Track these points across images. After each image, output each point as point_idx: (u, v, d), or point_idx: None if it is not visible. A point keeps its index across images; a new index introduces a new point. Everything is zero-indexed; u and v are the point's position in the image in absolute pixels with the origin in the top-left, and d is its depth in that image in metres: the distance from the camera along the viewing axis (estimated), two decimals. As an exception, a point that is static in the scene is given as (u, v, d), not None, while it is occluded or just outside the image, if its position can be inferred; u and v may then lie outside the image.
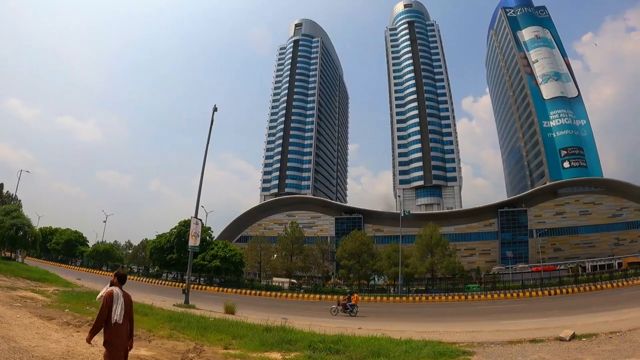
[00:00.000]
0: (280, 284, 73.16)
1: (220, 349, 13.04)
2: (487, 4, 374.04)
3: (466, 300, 56.12)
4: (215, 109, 39.56)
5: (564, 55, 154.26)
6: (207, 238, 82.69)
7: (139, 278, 75.31)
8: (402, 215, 76.64)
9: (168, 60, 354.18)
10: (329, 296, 61.14)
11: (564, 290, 56.66)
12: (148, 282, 67.93)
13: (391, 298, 60.31)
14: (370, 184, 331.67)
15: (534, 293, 56.96)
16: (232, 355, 12.16)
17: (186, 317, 19.52)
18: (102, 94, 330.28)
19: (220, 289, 67.28)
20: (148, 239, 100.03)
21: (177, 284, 68.09)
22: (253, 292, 64.58)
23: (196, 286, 67.45)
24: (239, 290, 64.99)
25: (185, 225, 78.90)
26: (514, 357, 12.71)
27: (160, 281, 74.78)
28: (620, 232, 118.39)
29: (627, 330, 15.31)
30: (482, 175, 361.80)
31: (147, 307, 22.82)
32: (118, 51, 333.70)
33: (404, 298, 59.96)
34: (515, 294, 57.68)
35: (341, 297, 44.75)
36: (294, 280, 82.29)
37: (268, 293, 64.46)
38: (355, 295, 37.49)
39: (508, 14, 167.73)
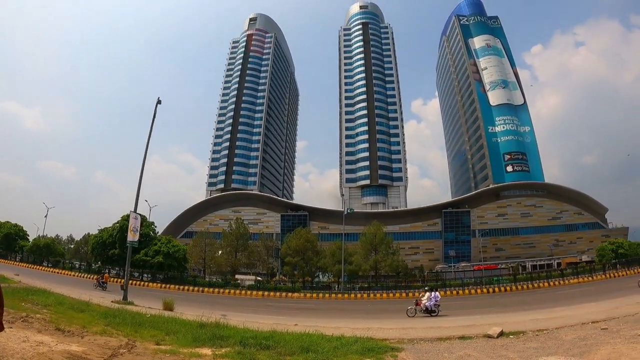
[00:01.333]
0: (242, 282, 71.91)
1: (152, 345, 12.85)
2: (441, 10, 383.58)
3: (407, 298, 56.47)
4: (159, 102, 38.46)
5: (512, 64, 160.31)
6: (151, 233, 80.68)
7: (80, 274, 71.71)
8: (346, 213, 76.81)
9: (117, 48, 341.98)
10: (272, 293, 60.99)
11: (503, 289, 58.01)
12: (89, 278, 65.13)
13: (334, 295, 60.17)
14: (318, 181, 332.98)
15: (473, 291, 58.02)
16: (163, 351, 11.96)
17: (122, 314, 19.23)
18: (48, 80, 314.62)
19: (163, 285, 65.37)
20: (90, 234, 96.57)
21: (120, 280, 65.96)
22: (196, 288, 63.44)
23: (139, 283, 65.60)
24: (181, 287, 63.54)
25: (128, 219, 76.48)
26: (441, 354, 12.80)
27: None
28: (559, 234, 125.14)
29: (555, 328, 15.66)
30: (429, 176, 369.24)
31: (84, 304, 22.48)
32: (66, 37, 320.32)
33: (346, 295, 60.03)
34: (455, 292, 58.68)
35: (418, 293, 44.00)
36: (259, 278, 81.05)
37: (211, 290, 63.32)
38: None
39: (461, 22, 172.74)
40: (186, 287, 63.57)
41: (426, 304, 29.66)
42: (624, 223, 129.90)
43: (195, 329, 15.76)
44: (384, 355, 12.53)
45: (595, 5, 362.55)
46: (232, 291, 62.71)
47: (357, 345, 13.46)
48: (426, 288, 37.65)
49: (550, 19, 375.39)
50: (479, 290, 57.82)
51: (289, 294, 61.30)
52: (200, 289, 63.73)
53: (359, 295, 60.17)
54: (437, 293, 30.70)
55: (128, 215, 76.70)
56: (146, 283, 67.68)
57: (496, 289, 57.97)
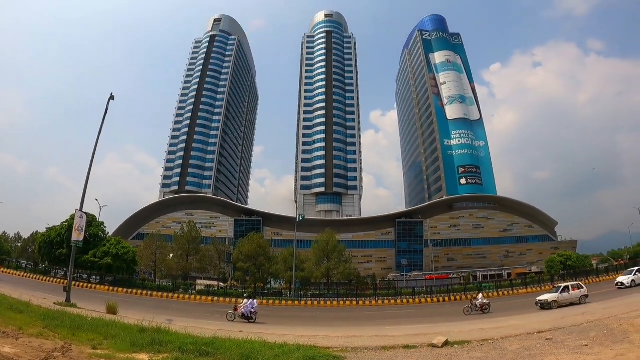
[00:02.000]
0: (207, 287, 69.92)
1: (88, 349, 12.56)
2: (405, 24, 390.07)
3: (358, 306, 56.67)
4: (111, 97, 37.42)
5: (471, 80, 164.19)
6: (100, 234, 78.35)
7: (25, 274, 68.78)
8: (298, 219, 76.28)
9: (77, 38, 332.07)
10: (222, 298, 59.88)
11: (452, 298, 58.78)
12: (35, 278, 62.85)
13: (284, 302, 59.65)
14: (274, 187, 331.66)
15: (424, 300, 58.53)
16: (98, 355, 11.74)
17: (61, 316, 18.75)
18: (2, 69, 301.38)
19: (111, 288, 63.38)
20: (39, 232, 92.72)
21: (67, 281, 63.65)
22: (145, 292, 62.05)
23: (86, 285, 64.01)
24: (130, 290, 61.99)
25: None
26: (382, 363, 12.41)
27: (48, 278, 68.75)
28: (510, 246, 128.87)
29: (500, 338, 15.56)
30: (385, 186, 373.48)
31: (24, 305, 21.84)
32: (22, 22, 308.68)
33: (297, 302, 59.59)
34: (405, 300, 59.12)
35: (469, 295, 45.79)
36: (222, 284, 79.58)
37: (160, 294, 61.97)
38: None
39: (423, 37, 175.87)
40: (135, 291, 62.08)
41: (242, 310, 31.51)
42: (573, 237, 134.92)
43: (135, 334, 15.46)
44: None
45: (555, 28, 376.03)
46: (182, 296, 61.70)
47: (299, 353, 13.22)
48: (245, 295, 38.44)
49: (510, 39, 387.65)
50: (428, 299, 58.28)
51: (239, 299, 60.11)
52: (149, 292, 62.26)
53: (309, 303, 59.82)
54: (254, 301, 32.98)
55: (78, 214, 75.06)
56: (94, 285, 65.89)
57: (446, 298, 58.65)
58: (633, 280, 42.12)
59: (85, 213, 37.17)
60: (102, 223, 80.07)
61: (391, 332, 21.00)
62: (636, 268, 44.70)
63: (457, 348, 14.39)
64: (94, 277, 71.92)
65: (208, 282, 75.90)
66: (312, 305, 57.76)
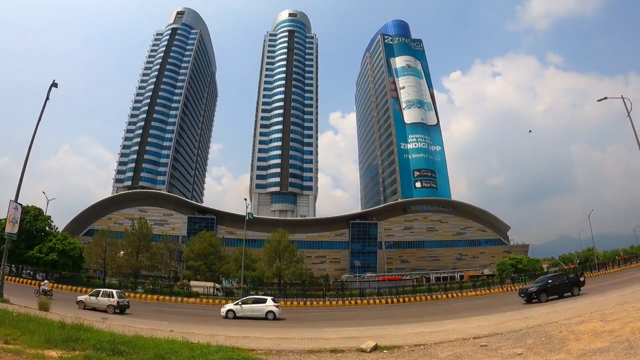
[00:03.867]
0: (204, 289, 67.18)
1: (1, 343, 12.17)
2: (368, 27, 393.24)
3: (306, 306, 56.11)
4: (54, 85, 35.62)
5: (430, 86, 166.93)
6: (47, 228, 76.28)
7: None
8: (247, 218, 75.25)
9: (31, 22, 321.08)
10: (167, 297, 59.00)
11: (402, 300, 58.86)
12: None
13: (230, 301, 58.08)
14: (232, 185, 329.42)
15: (372, 301, 58.46)
16: (6, 350, 11.27)
17: None
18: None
19: (56, 285, 60.37)
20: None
21: (15, 278, 61.08)
22: (90, 289, 59.30)
23: (29, 282, 61.26)
24: (75, 288, 60.54)
25: (24, 212, 70.72)
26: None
27: None
28: (463, 249, 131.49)
29: (433, 343, 14.91)
30: (342, 187, 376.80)
31: None
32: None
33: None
34: (354, 302, 58.91)
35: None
36: (218, 285, 75.96)
37: (106, 292, 59.90)
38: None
39: (385, 41, 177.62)
40: (79, 288, 60.28)
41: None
42: (525, 241, 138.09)
43: (54, 330, 14.65)
44: None
45: (515, 41, 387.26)
46: (127, 294, 59.42)
47: (219, 354, 12.61)
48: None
49: (471, 49, 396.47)
50: (377, 301, 58.31)
51: (185, 299, 59.05)
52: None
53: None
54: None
55: (23, 207, 71.73)
56: (38, 282, 62.98)
57: (395, 300, 58.81)
58: None
59: (21, 205, 35.41)
60: (49, 217, 77.74)
61: (327, 335, 20.30)
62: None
63: (385, 353, 13.75)
64: (39, 274, 69.27)
65: (203, 284, 72.49)
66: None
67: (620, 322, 14.15)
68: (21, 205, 34.29)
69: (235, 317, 35.15)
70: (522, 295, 35.98)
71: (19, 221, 34.62)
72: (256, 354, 13.94)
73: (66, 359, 11.12)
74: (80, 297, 36.91)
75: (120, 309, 34.75)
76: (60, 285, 61.02)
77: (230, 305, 37.23)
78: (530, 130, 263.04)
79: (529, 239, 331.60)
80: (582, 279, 38.33)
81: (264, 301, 36.51)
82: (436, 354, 13.00)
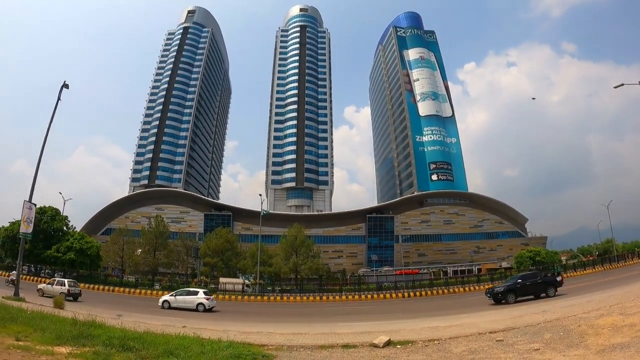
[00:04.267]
0: (234, 286, 66.60)
1: (11, 340, 12.18)
2: (380, 20, 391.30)
3: (322, 301, 55.94)
4: (65, 86, 35.80)
5: (444, 78, 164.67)
6: (64, 228, 77.10)
7: None
8: (262, 214, 75.26)
9: (46, 27, 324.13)
10: None
11: (419, 293, 58.37)
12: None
13: (246, 297, 58.38)
14: (247, 182, 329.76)
15: (388, 295, 57.99)
16: (16, 346, 11.30)
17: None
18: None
19: None
20: (2, 227, 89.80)
21: (33, 278, 61.98)
22: (107, 287, 61.41)
23: (48, 280, 61.58)
24: (92, 286, 60.98)
25: (40, 212, 72.52)
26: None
27: (10, 273, 67.13)
28: (480, 241, 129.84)
29: (448, 338, 14.52)
30: (358, 182, 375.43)
31: None
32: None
33: (259, 298, 58.42)
34: (370, 296, 58.53)
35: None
36: (247, 282, 75.32)
37: (121, 289, 61.24)
38: None
39: (398, 33, 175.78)
40: (97, 286, 61.21)
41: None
42: (543, 233, 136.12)
43: (66, 326, 14.80)
44: None
45: (529, 30, 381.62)
46: (144, 291, 60.52)
47: (228, 350, 12.60)
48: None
49: (485, 39, 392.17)
50: (394, 295, 57.75)
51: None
52: (112, 288, 61.61)
53: (272, 298, 58.76)
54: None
55: (41, 208, 73.20)
56: (41, 279, 64.13)
57: (411, 294, 58.33)
58: None
59: (35, 205, 35.66)
60: (66, 217, 78.68)
61: (341, 330, 20.02)
62: None
63: (398, 349, 13.42)
64: (58, 272, 70.23)
65: (232, 281, 72.24)
66: (275, 301, 56.74)
67: (640, 316, 13.67)
68: (35, 205, 34.55)
69: (170, 308, 37.32)
70: (489, 295, 33.96)
71: (33, 221, 35.00)
72: (267, 349, 13.79)
73: (75, 355, 11.09)
74: (39, 286, 42.07)
75: (73, 297, 39.13)
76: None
77: (166, 297, 39.55)
78: (533, 98, 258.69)
79: (547, 230, 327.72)
80: (559, 278, 35.53)
81: (196, 294, 38.81)
82: (451, 349, 12.68)
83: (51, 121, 35.42)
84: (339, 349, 13.83)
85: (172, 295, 39.18)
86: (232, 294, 60.48)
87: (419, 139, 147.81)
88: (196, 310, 36.33)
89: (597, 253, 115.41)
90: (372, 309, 39.93)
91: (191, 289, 42.32)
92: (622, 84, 37.55)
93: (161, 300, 39.14)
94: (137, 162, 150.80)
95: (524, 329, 14.92)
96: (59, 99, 35.88)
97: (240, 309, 41.86)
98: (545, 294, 32.76)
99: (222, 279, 74.15)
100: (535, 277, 35.55)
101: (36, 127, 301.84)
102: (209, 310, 36.55)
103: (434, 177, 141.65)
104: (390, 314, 32.10)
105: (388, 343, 13.88)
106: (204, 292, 38.84)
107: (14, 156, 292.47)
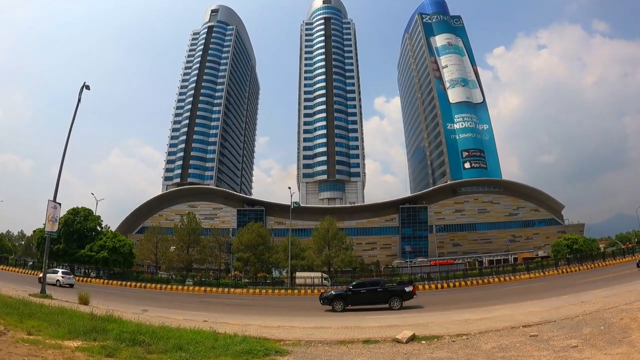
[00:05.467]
0: (312, 280, 67.86)
1: (23, 334, 12.18)
2: (405, 8, 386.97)
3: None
4: (86, 87, 35.63)
5: (473, 63, 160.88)
6: (97, 227, 78.91)
7: (24, 270, 69.77)
8: (292, 207, 75.08)
9: (80, 37, 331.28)
10: (214, 289, 59.60)
11: (451, 284, 57.59)
12: (33, 274, 62.39)
13: (277, 291, 58.10)
14: (280, 176, 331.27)
15: (420, 287, 56.83)
16: (25, 340, 11.32)
17: (20, 305, 18.22)
18: (2, 68, 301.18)
19: (106, 281, 63.92)
20: (38, 229, 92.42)
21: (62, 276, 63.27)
22: (138, 284, 62.16)
23: (82, 279, 63.82)
24: (124, 283, 62.39)
25: (74, 213, 74.69)
26: (328, 361, 11.25)
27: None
28: (516, 230, 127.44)
29: (478, 333, 13.57)
30: (391, 172, 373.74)
31: None
32: (27, 23, 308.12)
33: (289, 291, 58.06)
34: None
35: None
36: (325, 275, 74.42)
37: (153, 285, 61.86)
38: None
39: (424, 20, 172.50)
40: (129, 283, 62.34)
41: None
42: (580, 220, 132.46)
43: (82, 321, 14.80)
44: (259, 359, 11.42)
45: (559, 10, 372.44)
46: (175, 287, 61.17)
47: (242, 345, 12.39)
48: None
49: (513, 22, 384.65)
50: (426, 286, 56.73)
51: (232, 289, 59.61)
52: (143, 284, 62.20)
53: (308, 291, 58.03)
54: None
55: (74, 209, 75.02)
56: (90, 279, 66.21)
57: (444, 285, 57.55)
58: None
59: (59, 204, 35.65)
60: (99, 217, 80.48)
61: (367, 323, 19.23)
62: None
63: (423, 344, 12.61)
64: (93, 271, 72.28)
65: (309, 274, 71.95)
66: (305, 294, 55.95)
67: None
68: (59, 204, 34.66)
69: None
70: (321, 300, 31.52)
71: (58, 219, 35.25)
72: (283, 345, 13.41)
73: (82, 349, 11.05)
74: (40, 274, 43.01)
75: (70, 285, 45.23)
76: (110, 281, 63.68)
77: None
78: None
79: (585, 218, 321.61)
80: (408, 288, 30.20)
81: (57, 272, 47.25)
82: (479, 346, 11.76)
83: (72, 122, 35.34)
84: (359, 344, 13.22)
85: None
86: (263, 288, 60.71)
87: (450, 126, 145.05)
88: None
89: (636, 240, 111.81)
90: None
91: (55, 269, 50.96)
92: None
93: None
94: (169, 162, 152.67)
95: (561, 322, 13.88)
96: (79, 100, 35.87)
97: (269, 303, 41.43)
98: (389, 305, 29.10)
99: (298, 274, 74.66)
100: (376, 285, 31.69)
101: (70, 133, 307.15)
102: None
103: (467, 165, 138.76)
104: (420, 306, 31.03)
105: (412, 338, 13.10)
106: (62, 272, 47.18)
107: (50, 161, 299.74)
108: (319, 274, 71.84)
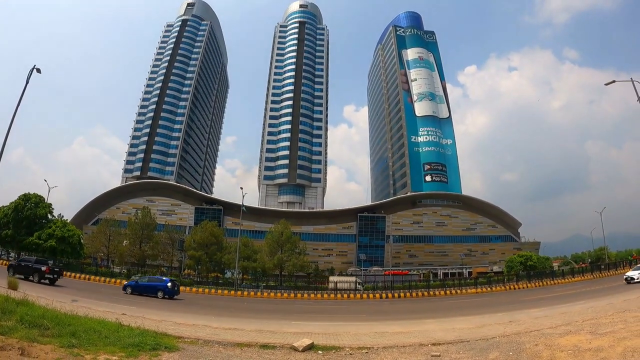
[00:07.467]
0: (347, 284, 67.15)
1: None
2: (380, 20, 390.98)
3: (295, 299, 55.96)
4: (37, 70, 34.24)
5: (442, 79, 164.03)
6: (48, 215, 76.02)
7: None
8: (242, 210, 74.68)
9: (51, 14, 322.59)
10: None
11: (396, 295, 57.77)
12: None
13: (219, 291, 57.61)
14: (244, 177, 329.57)
15: (365, 295, 57.78)
16: None
17: None
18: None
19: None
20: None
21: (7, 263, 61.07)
22: (83, 276, 60.43)
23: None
24: (68, 274, 58.94)
25: (25, 199, 72.04)
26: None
27: None
28: (472, 245, 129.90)
29: (382, 348, 13.11)
30: (356, 180, 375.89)
31: None
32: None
33: (233, 292, 57.69)
34: (346, 295, 58.04)
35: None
36: (360, 280, 74.17)
37: (97, 278, 60.23)
38: None
39: (397, 32, 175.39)
40: (73, 274, 59.96)
41: None
42: (536, 238, 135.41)
43: None
44: (145, 353, 11.25)
45: (533, 35, 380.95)
46: (119, 281, 59.02)
47: (136, 338, 12.33)
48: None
49: (487, 42, 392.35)
50: (371, 295, 57.51)
51: (194, 288, 58.76)
52: (88, 277, 60.46)
53: (246, 293, 58.25)
54: None
55: (25, 195, 72.58)
56: None
57: (389, 295, 57.68)
58: None
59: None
60: (50, 204, 77.59)
61: (287, 329, 19.08)
62: None
63: (318, 355, 12.25)
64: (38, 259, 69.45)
65: (343, 279, 71.89)
66: (248, 296, 56.12)
67: (612, 338, 12.08)
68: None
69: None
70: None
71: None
72: (181, 342, 13.24)
73: None
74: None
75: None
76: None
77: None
78: (538, 99, 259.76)
79: (543, 237, 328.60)
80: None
81: None
82: (378, 361, 11.40)
83: (18, 105, 34.06)
84: (256, 349, 12.94)
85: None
86: (210, 288, 60.01)
87: (415, 139, 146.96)
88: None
89: (589, 260, 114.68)
90: (338, 308, 39.21)
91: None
92: (614, 81, 36.76)
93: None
94: (130, 154, 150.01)
95: (474, 343, 13.44)
96: (27, 83, 34.45)
97: (209, 303, 40.49)
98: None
99: (331, 278, 75.01)
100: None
101: (37, 115, 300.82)
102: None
103: (428, 178, 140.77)
104: (353, 314, 31.58)
105: (310, 347, 12.81)
106: None
107: (12, 145, 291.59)
108: (353, 279, 72.12)
